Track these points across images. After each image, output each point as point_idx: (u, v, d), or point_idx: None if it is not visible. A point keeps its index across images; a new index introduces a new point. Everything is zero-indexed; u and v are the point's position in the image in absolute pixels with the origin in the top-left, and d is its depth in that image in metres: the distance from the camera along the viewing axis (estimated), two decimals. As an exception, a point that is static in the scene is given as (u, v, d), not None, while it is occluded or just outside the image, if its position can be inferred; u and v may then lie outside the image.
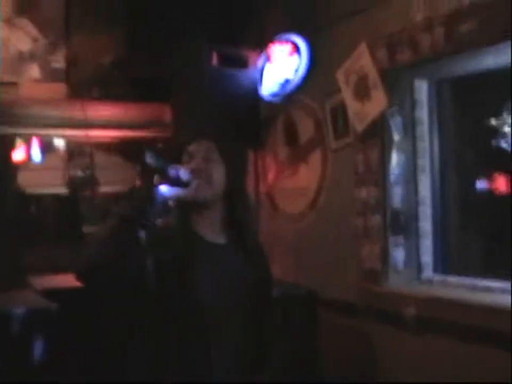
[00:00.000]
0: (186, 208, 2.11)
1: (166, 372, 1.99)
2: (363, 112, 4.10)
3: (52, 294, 3.83)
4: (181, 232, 2.08)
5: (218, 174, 2.12)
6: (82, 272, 1.91)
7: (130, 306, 2.02)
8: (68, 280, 3.43)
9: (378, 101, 3.99)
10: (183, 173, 2.02)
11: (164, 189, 1.99)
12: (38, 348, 3.45)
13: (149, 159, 1.98)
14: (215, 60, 4.71)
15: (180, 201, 2.09)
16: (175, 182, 2.01)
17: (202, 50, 4.74)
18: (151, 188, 1.95)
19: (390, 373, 3.94)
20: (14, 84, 5.39)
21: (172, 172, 2.00)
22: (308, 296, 4.12)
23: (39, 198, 7.49)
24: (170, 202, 2.10)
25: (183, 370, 1.98)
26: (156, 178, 1.97)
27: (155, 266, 1.95)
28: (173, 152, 2.23)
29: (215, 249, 2.10)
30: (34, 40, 5.63)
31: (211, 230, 2.12)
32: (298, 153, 4.90)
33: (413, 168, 4.15)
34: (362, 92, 4.10)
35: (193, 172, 2.05)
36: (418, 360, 3.74)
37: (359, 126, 4.14)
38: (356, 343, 4.23)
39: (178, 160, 2.12)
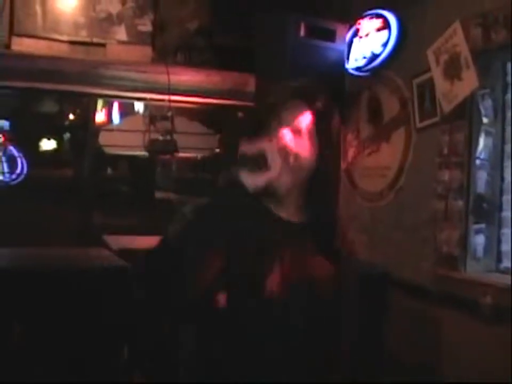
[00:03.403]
0: (262, 195, 1.73)
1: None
2: (452, 92, 3.99)
3: (126, 254, 3.87)
4: (252, 210, 1.73)
5: (310, 153, 1.75)
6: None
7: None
8: (143, 242, 3.48)
9: (469, 82, 3.87)
10: (269, 156, 1.66)
11: (247, 179, 1.68)
12: (108, 306, 3.48)
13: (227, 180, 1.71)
14: (302, 31, 4.63)
15: (256, 190, 1.71)
16: (257, 168, 1.66)
17: (290, 20, 4.67)
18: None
19: (458, 361, 3.86)
20: (101, 45, 5.44)
21: (256, 155, 1.65)
22: (381, 276, 4.05)
23: (117, 159, 7.60)
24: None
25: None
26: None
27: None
28: (256, 122, 1.78)
29: (290, 227, 1.76)
30: (123, 3, 5.66)
31: (286, 208, 1.77)
32: (381, 131, 4.81)
33: (500, 153, 4.02)
34: (452, 72, 3.98)
35: (279, 151, 1.68)
36: (490, 350, 3.64)
37: (447, 106, 4.03)
38: (426, 328, 4.16)
39: (262, 130, 1.73)
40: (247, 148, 1.67)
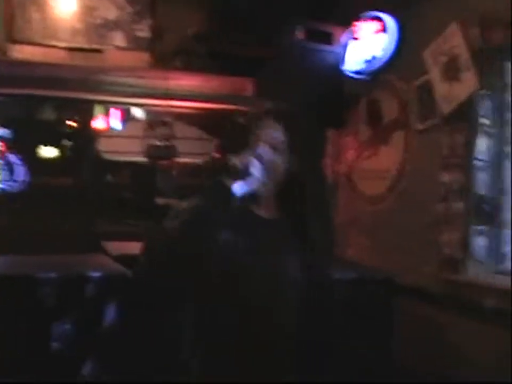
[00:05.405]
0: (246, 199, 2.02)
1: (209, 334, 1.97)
2: (451, 94, 3.98)
3: (126, 260, 3.85)
4: (235, 210, 2.00)
5: (283, 164, 2.05)
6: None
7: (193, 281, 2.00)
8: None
9: (468, 83, 3.86)
10: (253, 166, 1.98)
11: (234, 187, 1.98)
12: (110, 313, 3.47)
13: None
14: (301, 35, 4.63)
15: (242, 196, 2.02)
16: (242, 176, 1.98)
17: (288, 25, 4.66)
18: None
19: (464, 364, 3.84)
20: (98, 51, 5.43)
21: (241, 166, 1.97)
22: (384, 281, 4.03)
23: (117, 166, 7.58)
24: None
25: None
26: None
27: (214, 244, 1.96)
28: (241, 131, 2.13)
29: (265, 223, 2.06)
30: (120, 8, 5.66)
31: (263, 205, 2.06)
32: (380, 134, 4.80)
33: (500, 154, 4.00)
34: (451, 73, 3.98)
35: (258, 159, 1.99)
36: (493, 352, 3.62)
37: (446, 108, 4.02)
38: (431, 331, 4.13)
39: (245, 141, 2.05)
40: (233, 161, 1.99)
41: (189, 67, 5.64)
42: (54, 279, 3.53)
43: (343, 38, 4.82)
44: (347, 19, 4.88)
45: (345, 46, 4.83)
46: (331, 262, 2.25)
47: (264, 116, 2.08)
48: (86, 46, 5.45)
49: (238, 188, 1.98)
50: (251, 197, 2.01)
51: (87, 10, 5.50)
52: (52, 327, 3.44)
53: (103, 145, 6.97)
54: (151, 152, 5.37)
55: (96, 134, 6.81)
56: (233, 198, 1.97)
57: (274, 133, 2.05)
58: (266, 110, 2.11)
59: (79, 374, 2.14)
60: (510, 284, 3.67)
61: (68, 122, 7.04)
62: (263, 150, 2.01)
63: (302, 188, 2.14)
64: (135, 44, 5.64)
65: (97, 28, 5.52)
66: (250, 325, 1.94)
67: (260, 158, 1.99)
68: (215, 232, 1.95)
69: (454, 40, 3.95)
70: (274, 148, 2.02)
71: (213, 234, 1.95)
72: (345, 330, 2.27)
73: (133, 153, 6.94)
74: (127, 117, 7.08)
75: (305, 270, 2.06)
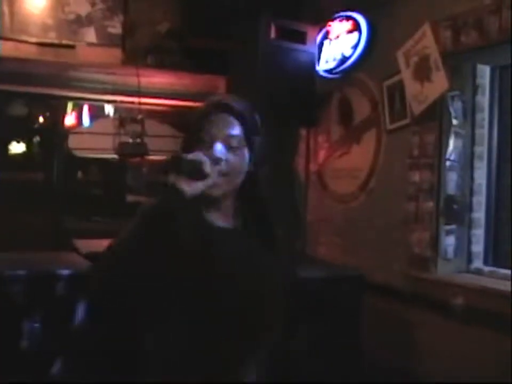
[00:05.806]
0: (198, 199, 1.81)
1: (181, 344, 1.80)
2: (422, 94, 4.01)
3: (96, 257, 3.83)
4: (191, 219, 1.83)
5: (242, 163, 1.87)
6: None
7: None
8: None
9: (438, 84, 3.89)
10: (206, 165, 1.73)
11: (184, 185, 1.73)
12: (80, 310, 3.45)
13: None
14: (273, 34, 4.64)
15: (192, 196, 1.77)
16: (195, 175, 1.73)
17: (261, 23, 4.67)
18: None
19: (433, 361, 3.88)
20: (70, 47, 5.38)
21: (193, 164, 1.72)
22: (355, 279, 4.06)
23: (87, 162, 7.53)
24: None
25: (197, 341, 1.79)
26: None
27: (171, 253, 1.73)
28: (192, 127, 1.91)
29: (224, 233, 1.88)
30: (92, 4, 5.61)
31: (221, 216, 1.90)
32: (351, 133, 4.82)
33: (469, 155, 4.06)
34: (422, 74, 4.01)
35: (213, 160, 1.77)
36: (463, 350, 3.66)
37: (417, 108, 4.05)
38: (401, 329, 4.17)
39: (197, 137, 1.85)
40: (186, 157, 1.74)
41: (161, 64, 5.61)
42: (23, 277, 3.51)
43: (317, 37, 4.84)
44: (320, 18, 4.90)
45: (319, 45, 4.85)
46: (298, 261, 2.11)
47: (215, 111, 1.88)
48: (57, 41, 5.39)
49: (188, 186, 1.73)
50: (204, 198, 1.81)
51: (58, 5, 5.44)
52: (21, 325, 3.42)
53: (73, 142, 6.92)
54: (122, 149, 5.31)
55: (67, 130, 6.76)
56: (185, 201, 1.73)
57: (229, 129, 1.86)
58: (216, 104, 1.90)
59: (49, 372, 2.10)
60: (478, 283, 3.72)
61: (38, 118, 6.98)
62: (217, 148, 1.81)
63: (263, 190, 1.96)
64: (107, 40, 5.59)
65: (68, 24, 5.46)
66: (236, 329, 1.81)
67: (213, 157, 1.78)
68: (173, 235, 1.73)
69: (425, 40, 3.98)
70: (229, 145, 1.84)
71: (171, 237, 1.72)
72: (316, 327, 2.24)
73: (103, 150, 6.89)
74: (98, 114, 7.04)
75: (277, 271, 1.92)
